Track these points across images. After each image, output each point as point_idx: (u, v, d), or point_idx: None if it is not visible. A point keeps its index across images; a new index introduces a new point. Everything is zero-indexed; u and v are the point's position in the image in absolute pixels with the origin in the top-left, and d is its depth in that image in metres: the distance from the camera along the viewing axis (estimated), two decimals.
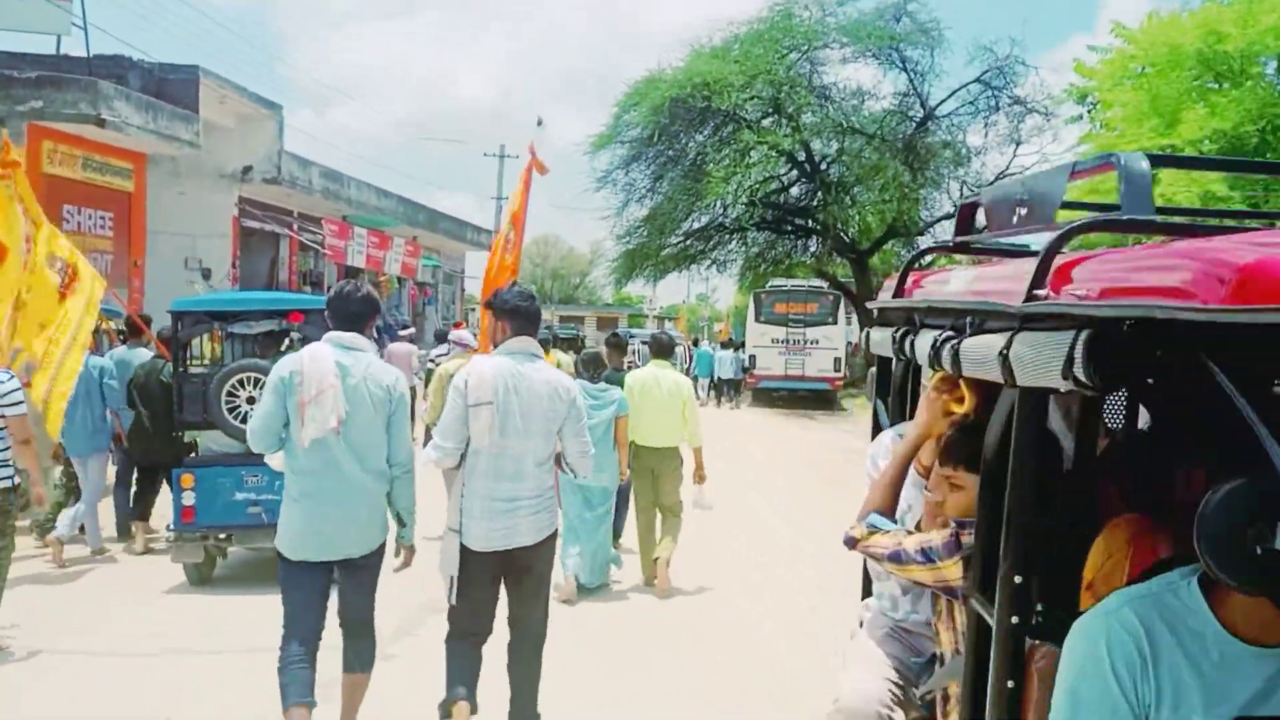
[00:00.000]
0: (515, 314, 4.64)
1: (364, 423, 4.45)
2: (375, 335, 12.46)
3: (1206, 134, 12.96)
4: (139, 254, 17.96)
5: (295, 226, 23.42)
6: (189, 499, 7.13)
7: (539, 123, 10.30)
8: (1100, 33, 17.88)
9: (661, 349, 8.65)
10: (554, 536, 4.68)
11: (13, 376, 5.98)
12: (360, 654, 4.62)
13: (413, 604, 6.51)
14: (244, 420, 7.15)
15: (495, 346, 4.72)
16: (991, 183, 31.17)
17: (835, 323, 27.10)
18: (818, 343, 26.62)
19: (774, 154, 29.62)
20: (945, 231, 33.36)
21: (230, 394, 7.38)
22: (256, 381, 7.28)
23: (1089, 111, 18.30)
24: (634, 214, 32.51)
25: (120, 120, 15.54)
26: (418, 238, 29.89)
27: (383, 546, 4.66)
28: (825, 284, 29.99)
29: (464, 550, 4.46)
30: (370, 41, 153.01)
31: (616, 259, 34.17)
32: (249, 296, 10.59)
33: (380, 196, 26.56)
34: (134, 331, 9.77)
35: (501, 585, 4.65)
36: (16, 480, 5.86)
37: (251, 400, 7.30)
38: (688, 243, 33.31)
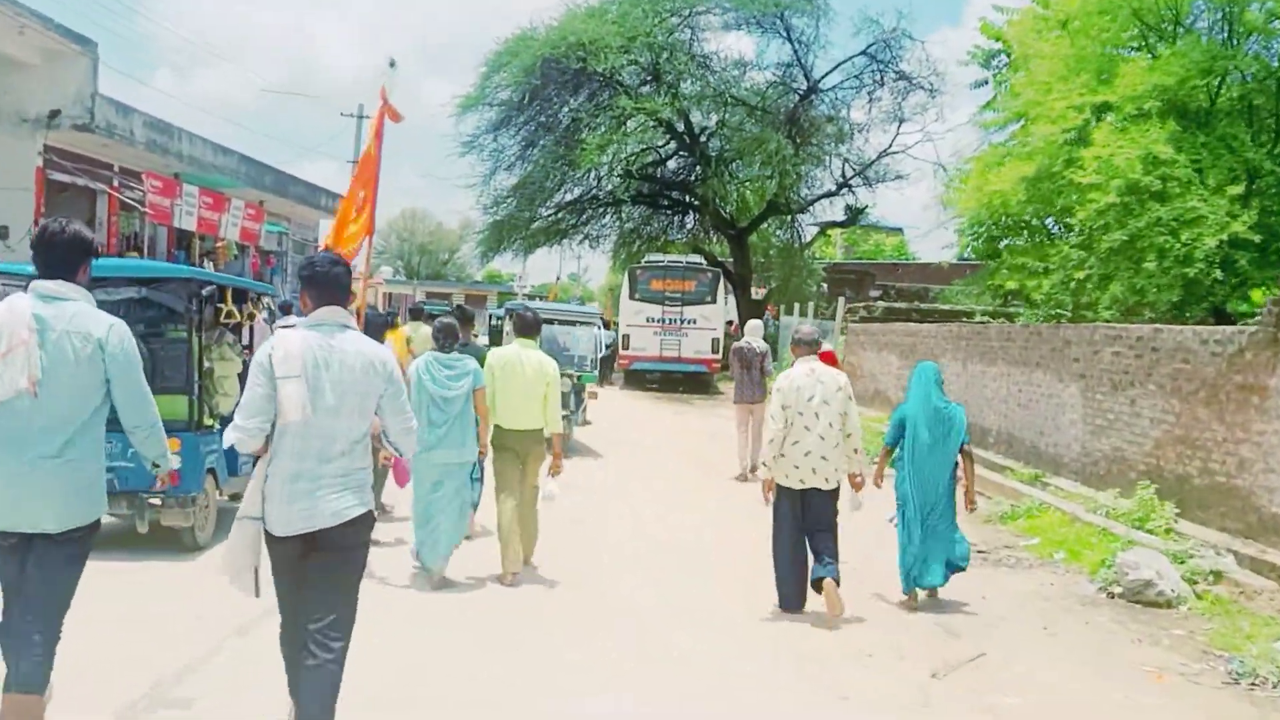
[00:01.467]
0: (318, 281, 4.33)
1: (67, 381, 4.04)
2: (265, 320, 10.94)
3: (1147, 90, 11.65)
4: None
5: (116, 184, 20.73)
6: None
7: (391, 64, 9.37)
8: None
9: (526, 326, 8.11)
10: (365, 520, 4.32)
11: None
12: (33, 664, 4.04)
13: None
14: None
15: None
16: (869, 164, 30.58)
17: (715, 301, 25.51)
18: (695, 322, 25.00)
19: (652, 123, 28.20)
20: (825, 210, 32.55)
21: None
22: None
23: (995, 75, 17.06)
24: (502, 183, 30.70)
25: None
26: (264, 202, 27.30)
27: (95, 526, 4.25)
28: (704, 261, 28.46)
29: (269, 537, 4.21)
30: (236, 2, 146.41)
31: (482, 230, 32.15)
32: (113, 264, 9.72)
33: (218, 153, 23.96)
34: None
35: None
36: None
37: None
38: (559, 215, 31.68)
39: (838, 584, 6.82)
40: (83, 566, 4.24)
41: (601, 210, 32.30)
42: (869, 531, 8.06)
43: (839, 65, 29.79)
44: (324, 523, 4.18)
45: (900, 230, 51.33)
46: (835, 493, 7.08)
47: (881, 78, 29.57)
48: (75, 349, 4.06)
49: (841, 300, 25.42)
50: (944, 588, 7.51)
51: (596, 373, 15.38)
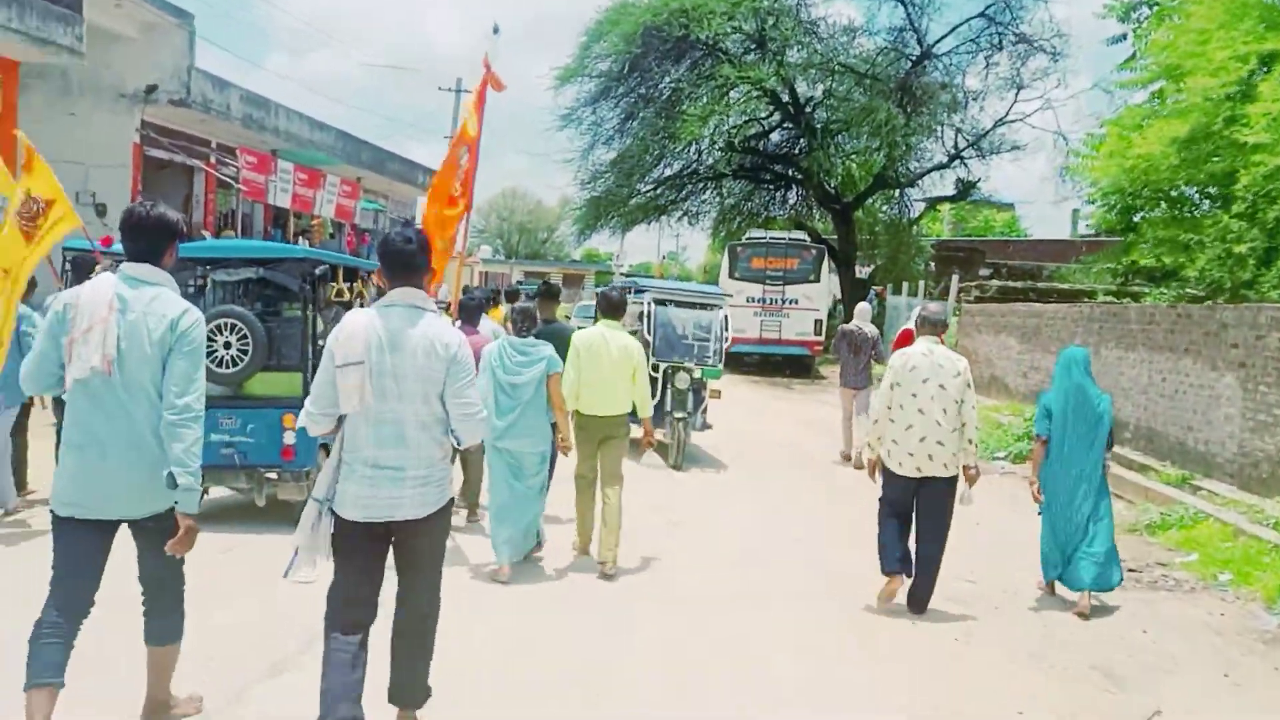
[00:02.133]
0: (391, 261, 4.24)
1: (142, 362, 4.01)
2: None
3: None
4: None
5: (213, 160, 20.54)
6: None
7: (494, 29, 8.91)
8: None
9: (611, 307, 7.79)
10: (445, 511, 4.30)
11: None
12: (163, 623, 4.28)
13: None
14: (221, 364, 7.67)
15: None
16: (984, 134, 29.14)
17: (818, 280, 24.39)
18: (797, 302, 23.94)
19: (755, 93, 27.13)
20: (935, 185, 31.20)
21: (209, 338, 7.18)
22: (234, 328, 7.77)
23: (1134, 30, 15.66)
24: (601, 157, 30.02)
25: None
26: (362, 180, 27.05)
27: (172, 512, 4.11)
28: (807, 236, 27.35)
29: (339, 521, 4.17)
30: None
31: (579, 206, 31.46)
32: (231, 244, 11.18)
33: (315, 129, 23.69)
34: (81, 273, 8.36)
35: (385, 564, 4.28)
36: None
37: (228, 345, 7.75)
38: (658, 191, 30.83)
39: (934, 580, 6.71)
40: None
41: (701, 185, 31.41)
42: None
43: (954, 29, 28.44)
44: (405, 513, 4.13)
45: (1011, 206, 49.61)
46: (953, 484, 6.67)
47: (1000, 41, 28.13)
48: (150, 330, 4.01)
49: (954, 278, 24.09)
50: (1097, 608, 6.78)
51: (721, 366, 12.62)
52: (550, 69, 28.07)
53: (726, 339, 12.63)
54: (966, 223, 50.07)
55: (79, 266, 8.71)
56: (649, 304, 12.33)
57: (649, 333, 12.00)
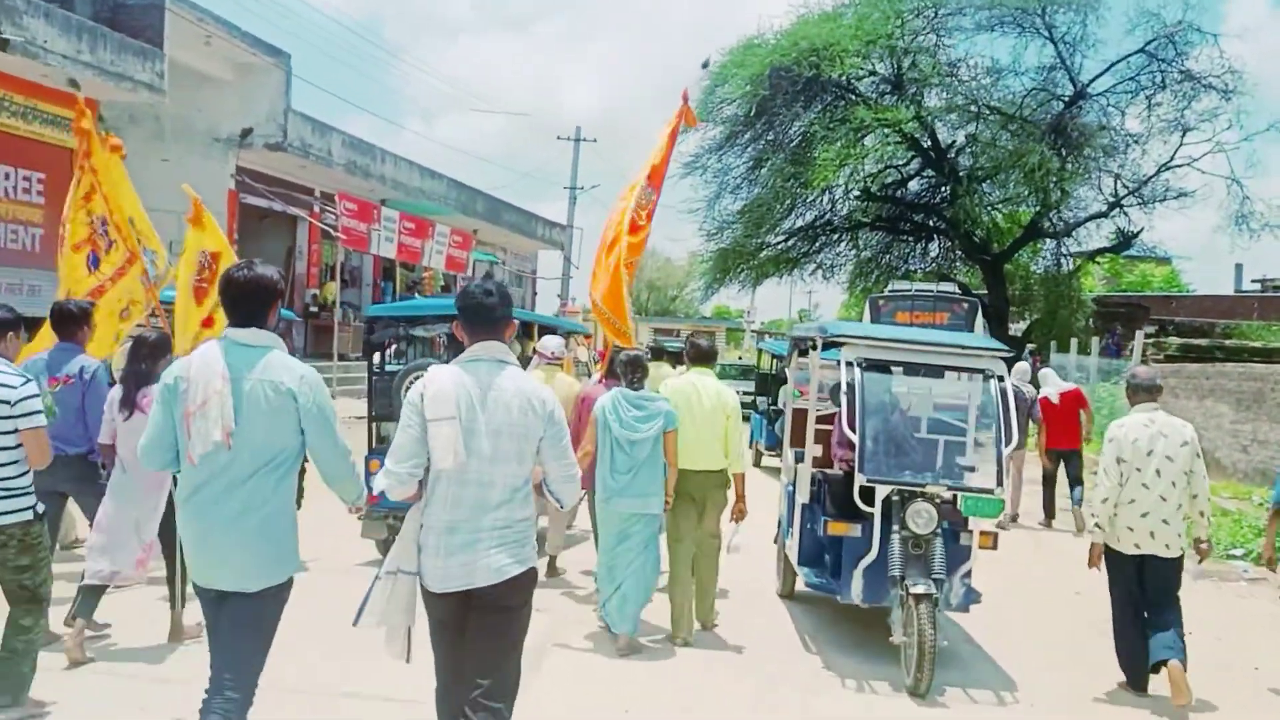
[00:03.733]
0: (471, 314, 4.10)
1: (260, 432, 3.91)
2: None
3: None
4: None
5: (316, 209, 19.44)
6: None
7: (704, 64, 8.96)
8: None
9: (701, 355, 7.43)
10: (530, 574, 4.04)
11: (27, 380, 4.94)
12: (231, 709, 3.96)
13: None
14: None
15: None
16: (1146, 181, 26.47)
17: None
18: None
19: (894, 138, 25.09)
20: (1090, 236, 28.56)
21: (409, 389, 6.34)
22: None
23: None
24: (728, 207, 28.18)
25: (33, 42, 11.66)
26: (477, 231, 25.84)
27: (287, 585, 4.07)
28: (957, 287, 25.01)
29: (425, 594, 4.01)
30: (475, 52, 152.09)
31: (706, 258, 29.69)
32: (430, 303, 11.30)
33: (425, 177, 22.58)
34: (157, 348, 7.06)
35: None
36: (41, 508, 5.06)
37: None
38: (790, 242, 28.90)
39: (1184, 666, 5.99)
40: (275, 624, 4.10)
41: (836, 236, 29.38)
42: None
43: (1111, 66, 25.92)
44: (483, 580, 3.95)
45: (1169, 260, 46.18)
46: (1179, 562, 6.31)
47: (1163, 79, 25.53)
48: (268, 398, 3.94)
49: (1140, 335, 21.33)
50: None
51: (1006, 493, 7.34)
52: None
53: (1011, 437, 6.92)
54: (1121, 278, 46.79)
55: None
56: (853, 369, 6.82)
57: (851, 423, 6.71)
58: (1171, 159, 26.04)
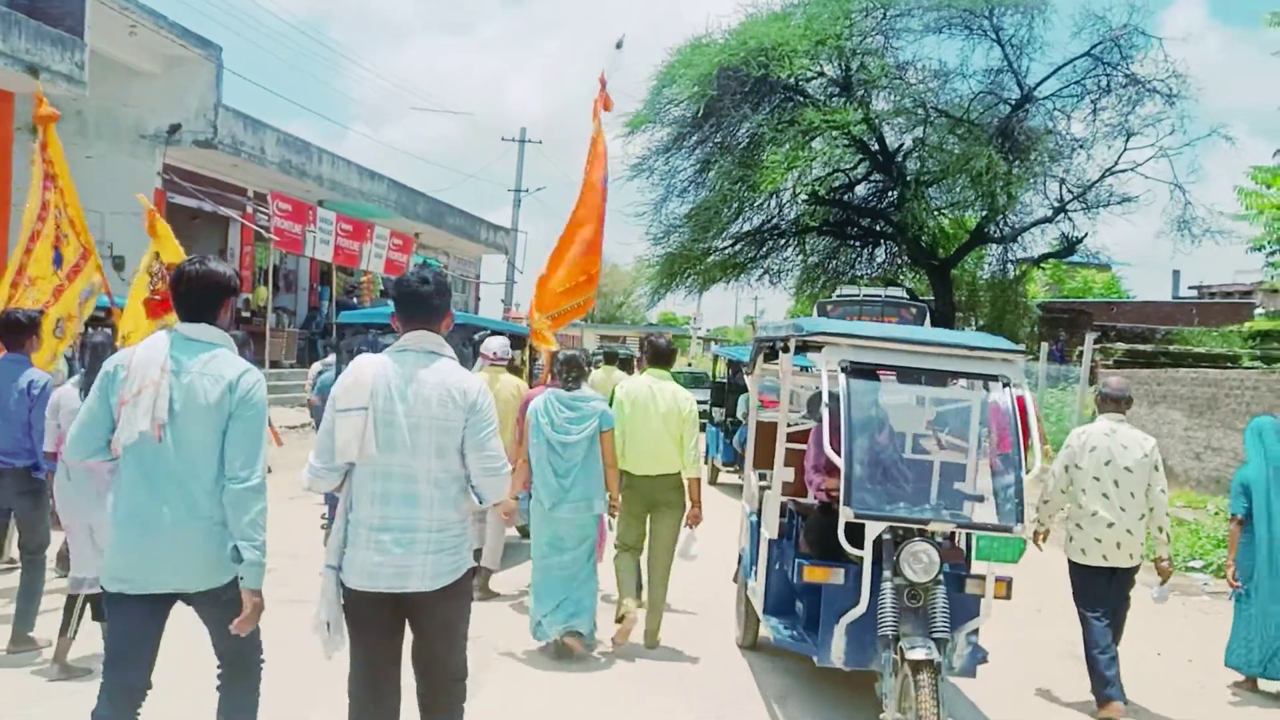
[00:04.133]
0: (406, 301, 3.98)
1: (197, 428, 3.75)
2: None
3: None
4: (1, 226, 13.36)
5: (249, 210, 18.71)
6: None
7: (618, 45, 8.75)
8: None
9: (658, 355, 7.23)
10: (464, 581, 3.95)
11: None
12: (238, 704, 3.97)
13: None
14: None
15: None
16: (1090, 185, 26.44)
17: None
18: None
19: (842, 141, 24.81)
20: (1035, 242, 28.58)
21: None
22: None
23: None
24: (674, 210, 27.76)
25: None
26: (419, 235, 25.18)
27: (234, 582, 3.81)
28: (905, 293, 24.82)
29: (347, 591, 3.86)
30: (418, 54, 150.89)
31: (653, 263, 29.24)
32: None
33: (365, 177, 21.90)
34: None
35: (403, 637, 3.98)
36: None
37: None
38: (737, 247, 28.56)
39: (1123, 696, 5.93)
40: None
41: (783, 241, 29.11)
42: None
43: (1057, 69, 25.84)
44: (416, 585, 3.79)
45: (1108, 266, 46.58)
46: (1136, 570, 6.30)
47: (1108, 83, 25.53)
48: (206, 391, 3.76)
49: (1089, 339, 21.20)
50: None
51: (1023, 526, 5.39)
52: (618, 115, 25.95)
53: (1030, 462, 5.89)
54: (1064, 284, 47.14)
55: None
56: (836, 375, 5.47)
57: (835, 445, 5.33)
58: (1115, 163, 26.05)
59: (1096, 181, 26.31)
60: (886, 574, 5.13)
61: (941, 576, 5.15)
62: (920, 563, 5.10)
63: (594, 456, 6.61)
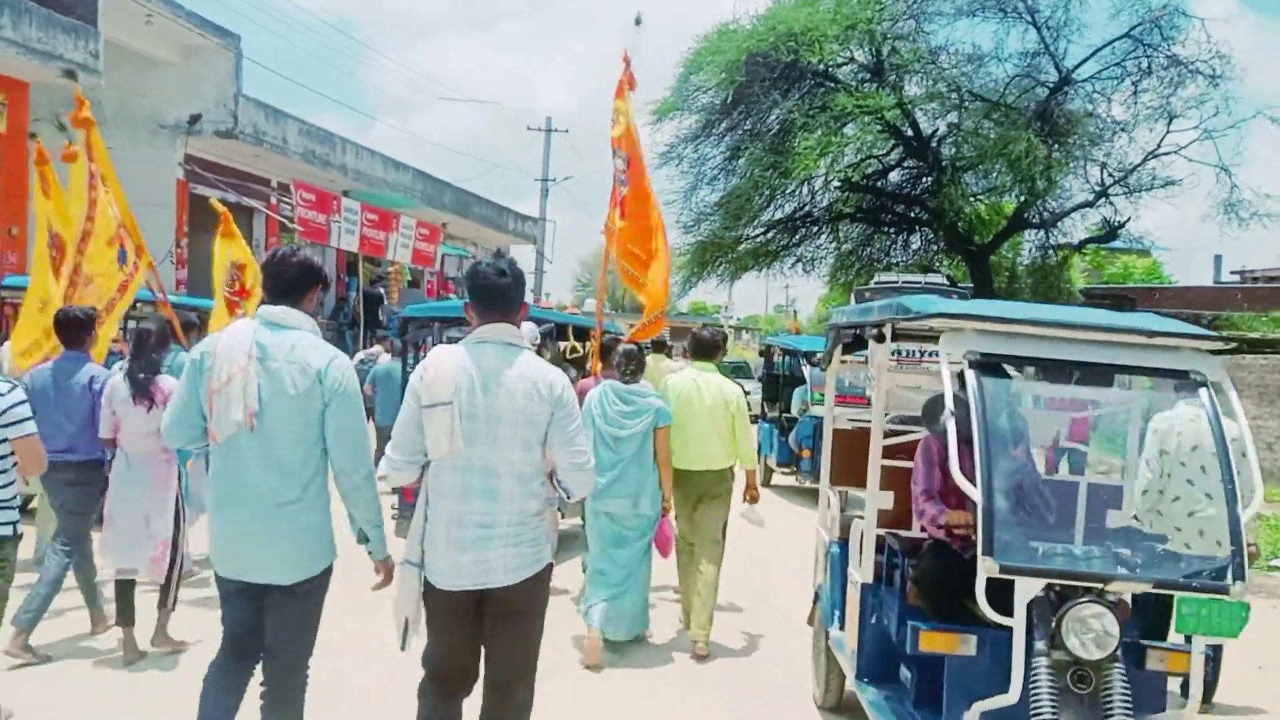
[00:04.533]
0: (482, 293, 3.89)
1: (286, 417, 3.78)
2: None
3: None
4: (15, 219, 13.22)
5: (274, 201, 18.53)
6: None
7: (637, 21, 8.02)
8: None
9: (703, 348, 7.05)
10: (544, 575, 3.91)
11: (14, 387, 4.58)
12: (277, 710, 3.96)
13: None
14: None
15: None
16: (1132, 169, 25.79)
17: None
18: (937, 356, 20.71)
19: (875, 126, 24.29)
20: (1075, 228, 27.95)
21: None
22: None
23: None
24: (705, 198, 27.33)
25: None
26: (446, 225, 24.96)
27: (325, 574, 3.98)
28: (945, 279, 24.30)
29: (428, 588, 3.83)
30: (446, 47, 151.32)
31: (684, 252, 28.87)
32: (458, 304, 11.27)
33: (390, 167, 21.69)
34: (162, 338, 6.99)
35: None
36: (20, 528, 4.66)
37: None
38: (769, 235, 28.10)
39: None
40: (318, 617, 4.02)
41: (816, 229, 28.60)
42: None
43: (1096, 51, 25.16)
44: (499, 580, 3.76)
45: (1147, 251, 45.67)
46: None
47: (1149, 64, 24.85)
48: (295, 380, 3.79)
49: None
50: None
51: (1245, 587, 3.81)
52: (645, 104, 25.71)
53: (1251, 496, 4.11)
54: (1103, 270, 46.26)
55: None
56: (964, 370, 4.21)
57: (968, 469, 3.96)
58: (1158, 146, 25.38)
59: (1139, 165, 25.68)
60: (1041, 645, 3.76)
61: (1119, 653, 3.77)
62: (1092, 633, 3.70)
63: (646, 453, 6.51)
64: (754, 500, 6.91)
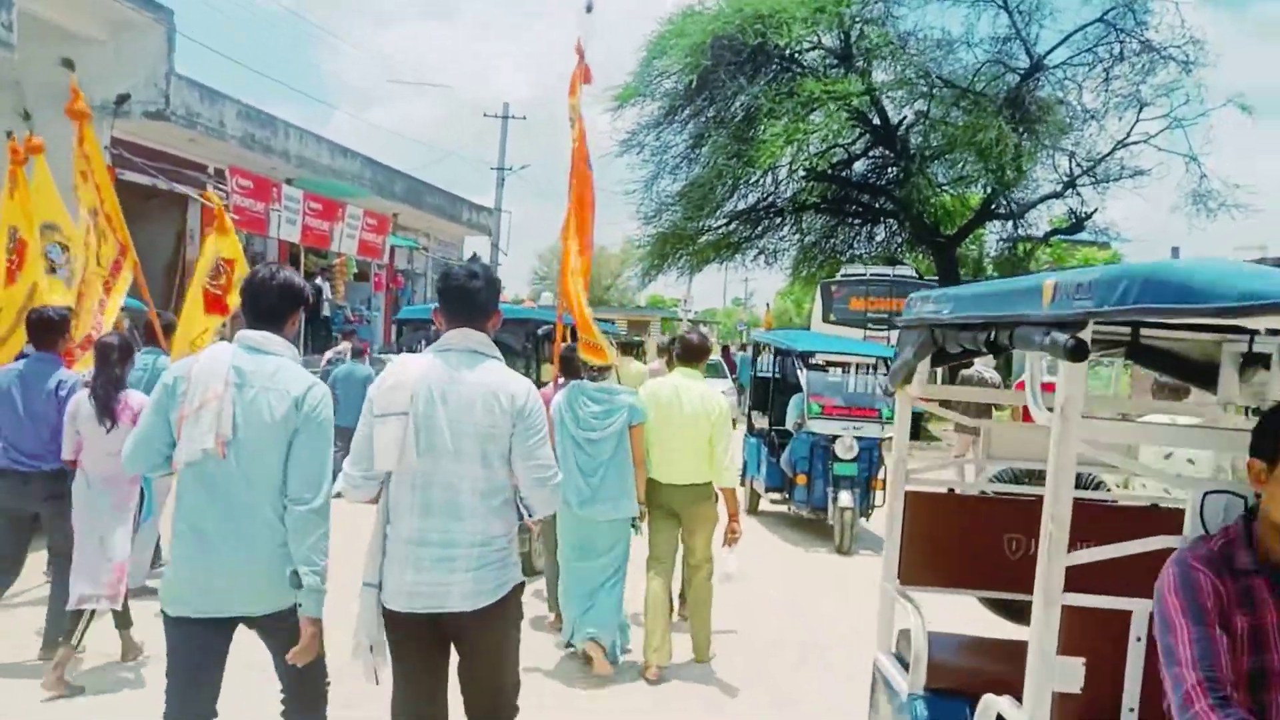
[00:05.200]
0: (450, 297, 3.75)
1: (261, 444, 3.61)
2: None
3: None
4: None
5: (210, 189, 17.30)
6: None
7: (588, 8, 7.91)
8: None
9: (690, 352, 6.57)
10: (510, 599, 3.66)
11: None
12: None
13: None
14: None
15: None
16: (1101, 159, 25.30)
17: None
18: None
19: (841, 113, 23.54)
20: (1041, 220, 27.65)
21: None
22: None
23: None
24: (666, 188, 26.48)
25: None
26: (398, 215, 23.86)
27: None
28: (914, 272, 23.69)
29: (386, 614, 3.63)
30: (403, 41, 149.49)
31: (643, 243, 28.00)
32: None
33: (336, 154, 20.53)
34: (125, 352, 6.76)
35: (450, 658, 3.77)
36: None
37: None
38: (731, 226, 27.33)
39: None
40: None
41: (779, 220, 27.87)
42: None
43: (1068, 37, 24.58)
44: (457, 605, 3.54)
45: (1109, 244, 45.58)
46: None
47: (1121, 50, 24.35)
48: (271, 407, 3.60)
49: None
50: None
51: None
52: (606, 89, 24.96)
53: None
54: (1064, 262, 46.13)
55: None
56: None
57: None
58: (1128, 135, 24.95)
59: (1108, 154, 25.27)
60: None
61: None
62: None
63: (623, 452, 6.27)
64: (733, 539, 6.36)
